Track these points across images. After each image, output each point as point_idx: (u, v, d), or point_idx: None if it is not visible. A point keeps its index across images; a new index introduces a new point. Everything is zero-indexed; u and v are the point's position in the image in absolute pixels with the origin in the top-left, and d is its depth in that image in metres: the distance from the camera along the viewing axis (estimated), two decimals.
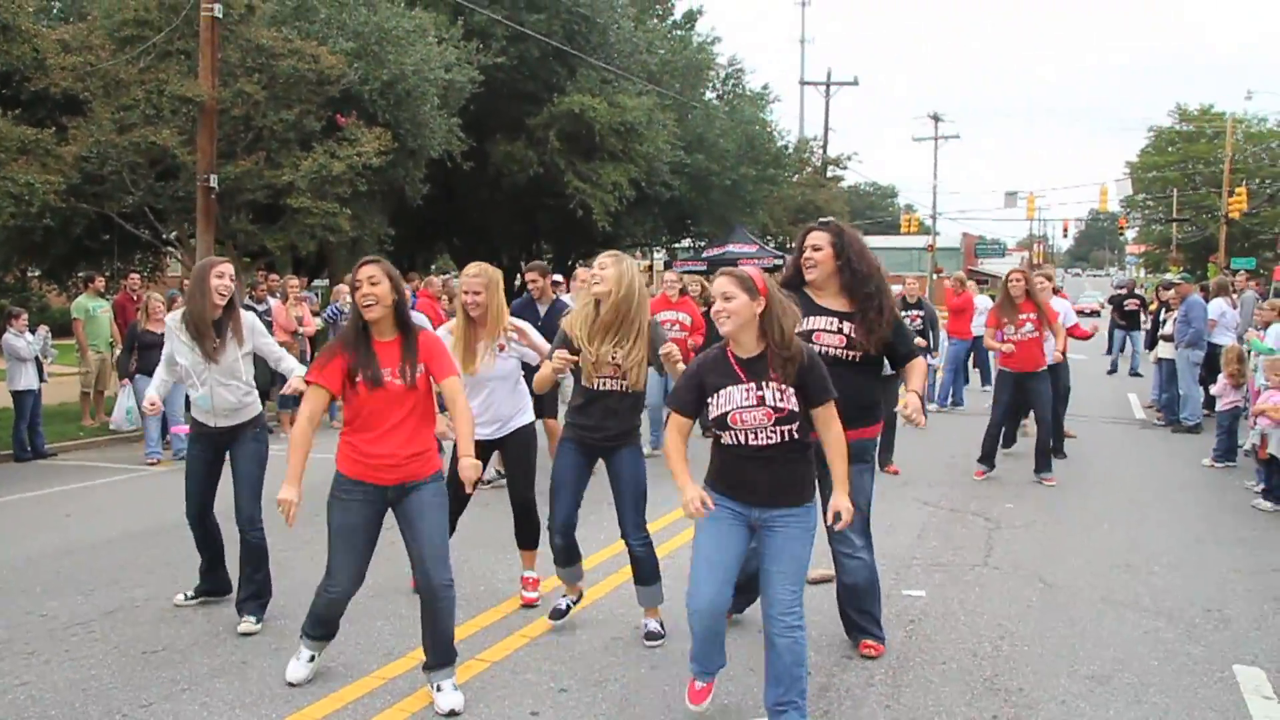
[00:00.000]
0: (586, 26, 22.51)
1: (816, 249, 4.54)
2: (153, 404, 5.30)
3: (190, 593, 5.49)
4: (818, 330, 4.53)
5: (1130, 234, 68.14)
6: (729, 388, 3.72)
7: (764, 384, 3.68)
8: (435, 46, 17.13)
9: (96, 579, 5.98)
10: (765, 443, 3.70)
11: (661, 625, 4.89)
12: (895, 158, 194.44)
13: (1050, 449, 9.02)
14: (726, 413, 3.71)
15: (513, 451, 5.37)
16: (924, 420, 4.65)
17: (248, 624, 5.06)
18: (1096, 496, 8.31)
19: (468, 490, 4.33)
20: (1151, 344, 14.55)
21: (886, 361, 4.72)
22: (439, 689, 4.15)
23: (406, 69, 15.96)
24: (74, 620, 5.24)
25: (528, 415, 5.47)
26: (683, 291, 10.18)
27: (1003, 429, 9.15)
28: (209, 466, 5.23)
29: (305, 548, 6.41)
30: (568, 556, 4.97)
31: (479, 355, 5.18)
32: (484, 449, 5.29)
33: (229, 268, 5.15)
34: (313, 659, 4.44)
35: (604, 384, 4.74)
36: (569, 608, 5.15)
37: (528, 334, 5.31)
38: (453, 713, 4.05)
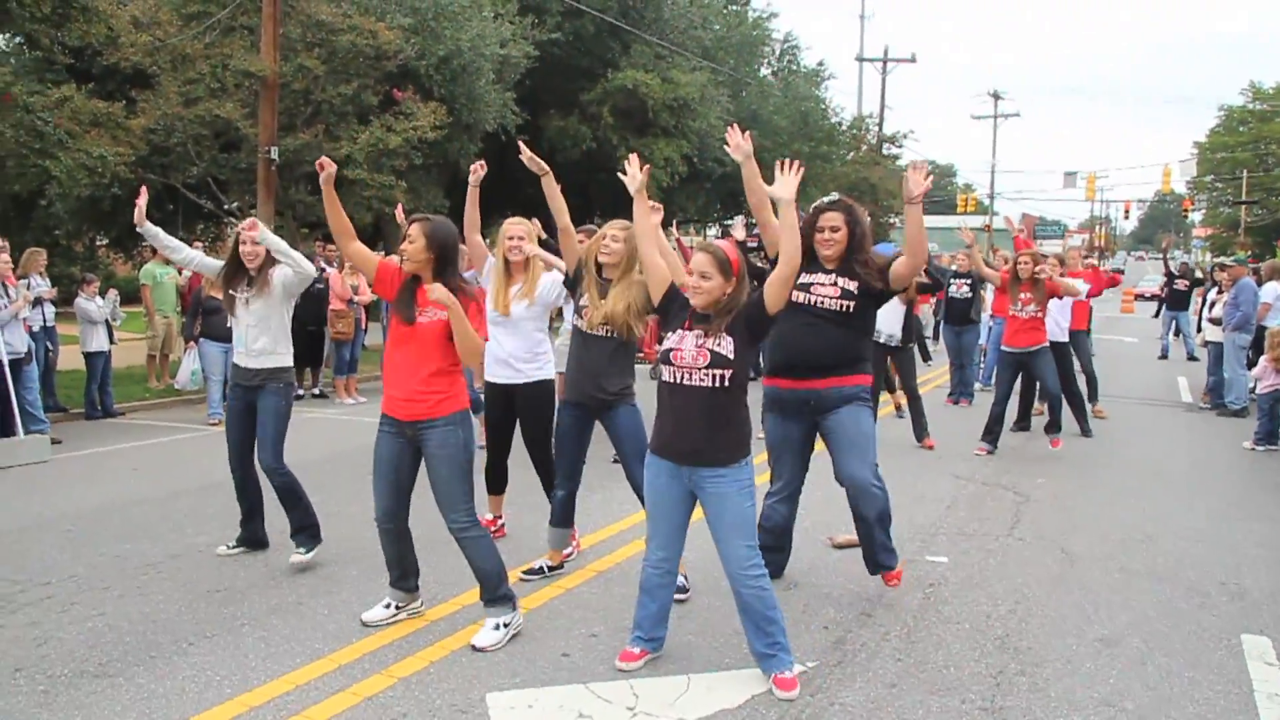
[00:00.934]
0: (641, 2, 22.65)
1: (835, 229, 4.85)
2: None
3: (232, 543, 5.84)
4: (815, 283, 4.87)
5: (1196, 216, 66.58)
6: (681, 330, 4.05)
7: (708, 331, 3.98)
8: (491, 22, 17.42)
9: (163, 526, 6.39)
10: (698, 384, 3.97)
11: (686, 579, 5.14)
12: (953, 136, 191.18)
13: (1058, 415, 9.18)
14: (671, 349, 4.02)
15: (524, 404, 5.61)
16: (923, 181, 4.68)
17: (298, 556, 5.47)
18: (1130, 474, 8.41)
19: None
20: (1200, 326, 14.43)
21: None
22: (484, 624, 4.51)
23: (462, 44, 16.26)
24: (144, 562, 5.64)
25: (545, 372, 5.68)
26: None
27: (1005, 408, 9.25)
28: (242, 416, 5.63)
29: (355, 501, 6.78)
30: (563, 515, 5.35)
31: (511, 298, 5.52)
32: (503, 393, 5.61)
33: (252, 233, 5.48)
34: (388, 605, 4.77)
35: (597, 330, 5.05)
36: (544, 570, 5.41)
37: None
38: (473, 647, 4.40)
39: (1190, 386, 14.34)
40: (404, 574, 4.77)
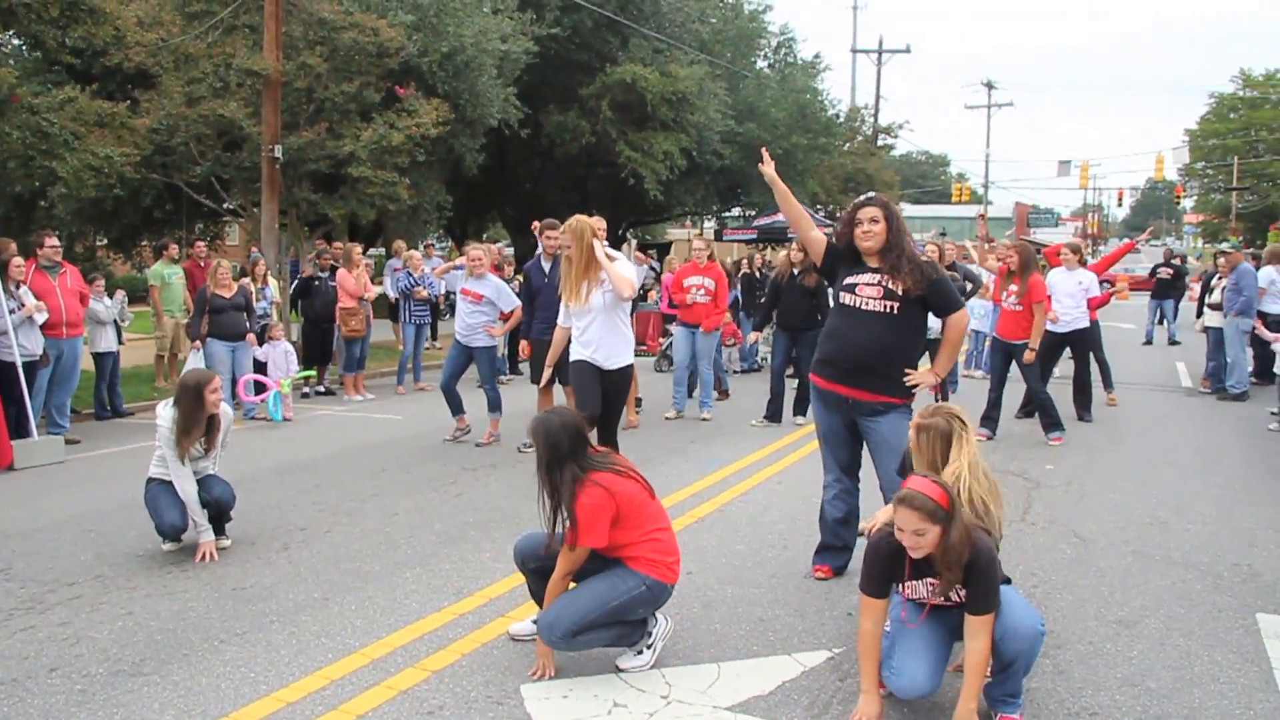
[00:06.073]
0: None
1: (875, 221, 4.94)
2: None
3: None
4: (861, 284, 4.96)
5: (1188, 203, 66.66)
6: (914, 582, 3.80)
7: (938, 585, 3.73)
8: (491, 18, 17.43)
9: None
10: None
11: None
12: (948, 126, 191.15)
13: (1050, 412, 9.22)
14: (915, 599, 3.84)
15: (609, 388, 6.35)
16: (931, 381, 5.07)
17: (224, 541, 5.96)
18: (1138, 459, 8.48)
19: None
20: (1200, 312, 14.54)
21: (939, 329, 5.11)
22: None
23: (464, 41, 16.28)
24: (168, 560, 5.69)
25: (627, 358, 6.45)
26: (710, 258, 10.63)
27: (1000, 394, 9.42)
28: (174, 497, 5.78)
29: (372, 498, 6.84)
30: None
31: (581, 291, 6.30)
32: (592, 371, 6.38)
33: (218, 383, 5.79)
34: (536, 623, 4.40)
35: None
36: None
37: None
38: (617, 667, 4.24)
39: (1189, 372, 14.43)
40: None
